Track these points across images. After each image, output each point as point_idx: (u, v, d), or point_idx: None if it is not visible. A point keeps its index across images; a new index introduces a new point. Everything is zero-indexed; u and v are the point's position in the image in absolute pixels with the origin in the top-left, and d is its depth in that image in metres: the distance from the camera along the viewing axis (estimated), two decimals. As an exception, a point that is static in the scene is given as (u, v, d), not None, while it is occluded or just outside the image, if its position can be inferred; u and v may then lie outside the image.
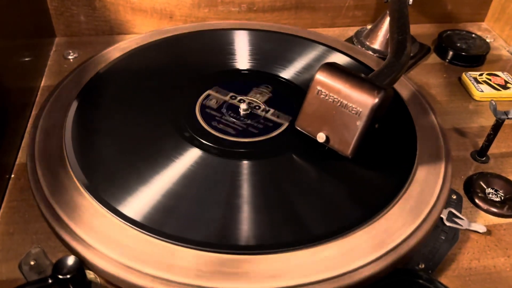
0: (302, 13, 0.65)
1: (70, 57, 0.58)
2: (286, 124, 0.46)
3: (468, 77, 0.58)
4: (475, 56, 0.62)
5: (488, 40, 0.65)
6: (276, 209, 0.38)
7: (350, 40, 0.63)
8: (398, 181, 0.40)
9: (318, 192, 0.40)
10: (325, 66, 0.41)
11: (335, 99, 0.40)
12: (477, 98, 0.56)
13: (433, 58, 0.63)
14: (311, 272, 0.33)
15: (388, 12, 0.58)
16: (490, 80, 0.58)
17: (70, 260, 0.32)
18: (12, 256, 0.36)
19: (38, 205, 0.38)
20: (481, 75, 0.58)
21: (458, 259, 0.39)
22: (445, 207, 0.41)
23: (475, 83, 0.57)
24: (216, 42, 0.56)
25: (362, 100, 0.39)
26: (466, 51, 0.62)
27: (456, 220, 0.41)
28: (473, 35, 0.65)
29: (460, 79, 0.59)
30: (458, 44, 0.63)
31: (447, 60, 0.63)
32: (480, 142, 0.49)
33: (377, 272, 0.34)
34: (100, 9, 0.60)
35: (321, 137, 0.41)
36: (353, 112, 0.39)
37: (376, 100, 0.38)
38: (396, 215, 0.38)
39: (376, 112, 0.39)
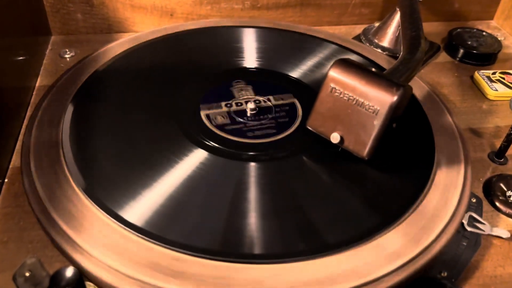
0: (307, 11, 0.63)
1: (66, 56, 0.55)
2: (296, 125, 0.43)
3: (481, 75, 0.56)
4: (487, 54, 0.60)
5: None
6: (286, 215, 0.35)
7: (357, 38, 0.61)
8: (417, 185, 0.38)
9: (331, 196, 0.37)
10: (339, 62, 0.39)
11: (350, 97, 0.38)
12: (491, 98, 0.54)
13: (443, 56, 0.61)
14: (324, 284, 0.31)
15: (398, 8, 0.56)
16: (503, 78, 0.56)
17: (69, 271, 0.29)
18: (6, 267, 0.34)
19: (34, 212, 0.35)
20: (494, 73, 0.56)
21: (482, 266, 0.37)
22: (465, 211, 0.39)
23: (488, 82, 0.55)
24: (221, 40, 0.54)
25: (380, 98, 0.36)
26: (477, 49, 0.60)
27: (477, 224, 0.39)
28: (484, 33, 0.63)
29: (472, 78, 0.57)
30: (469, 42, 0.61)
31: (457, 59, 0.61)
32: (497, 142, 0.47)
33: (398, 282, 0.32)
34: (98, 6, 0.57)
35: (335, 138, 0.39)
36: (370, 110, 0.37)
37: (395, 97, 0.36)
38: (416, 221, 0.35)
39: (394, 111, 0.36)
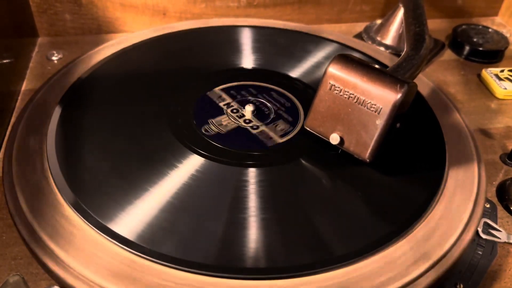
0: (306, 8, 0.61)
1: (54, 58, 0.53)
2: (298, 128, 0.41)
3: (489, 73, 0.53)
4: (494, 51, 0.58)
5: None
6: (288, 224, 0.33)
7: (359, 36, 0.59)
8: (428, 189, 0.35)
9: (333, 204, 0.35)
10: (338, 58, 0.36)
11: (351, 95, 0.35)
12: (499, 96, 0.52)
13: (447, 54, 0.59)
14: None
15: (400, 4, 0.54)
16: (512, 76, 0.53)
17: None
18: (-16, 285, 0.31)
19: (16, 226, 0.33)
20: (502, 71, 0.54)
21: (500, 277, 0.34)
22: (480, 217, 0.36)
23: (497, 80, 0.52)
24: (216, 40, 0.51)
25: (383, 96, 0.34)
26: (483, 46, 0.58)
27: (493, 232, 0.36)
28: (490, 30, 0.61)
29: (479, 76, 0.55)
30: (475, 39, 0.59)
31: (463, 56, 0.58)
32: (509, 143, 0.45)
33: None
34: (86, 5, 0.55)
35: (334, 139, 0.36)
36: (372, 109, 0.34)
37: (399, 95, 0.33)
38: (428, 229, 0.33)
39: (398, 109, 0.34)
